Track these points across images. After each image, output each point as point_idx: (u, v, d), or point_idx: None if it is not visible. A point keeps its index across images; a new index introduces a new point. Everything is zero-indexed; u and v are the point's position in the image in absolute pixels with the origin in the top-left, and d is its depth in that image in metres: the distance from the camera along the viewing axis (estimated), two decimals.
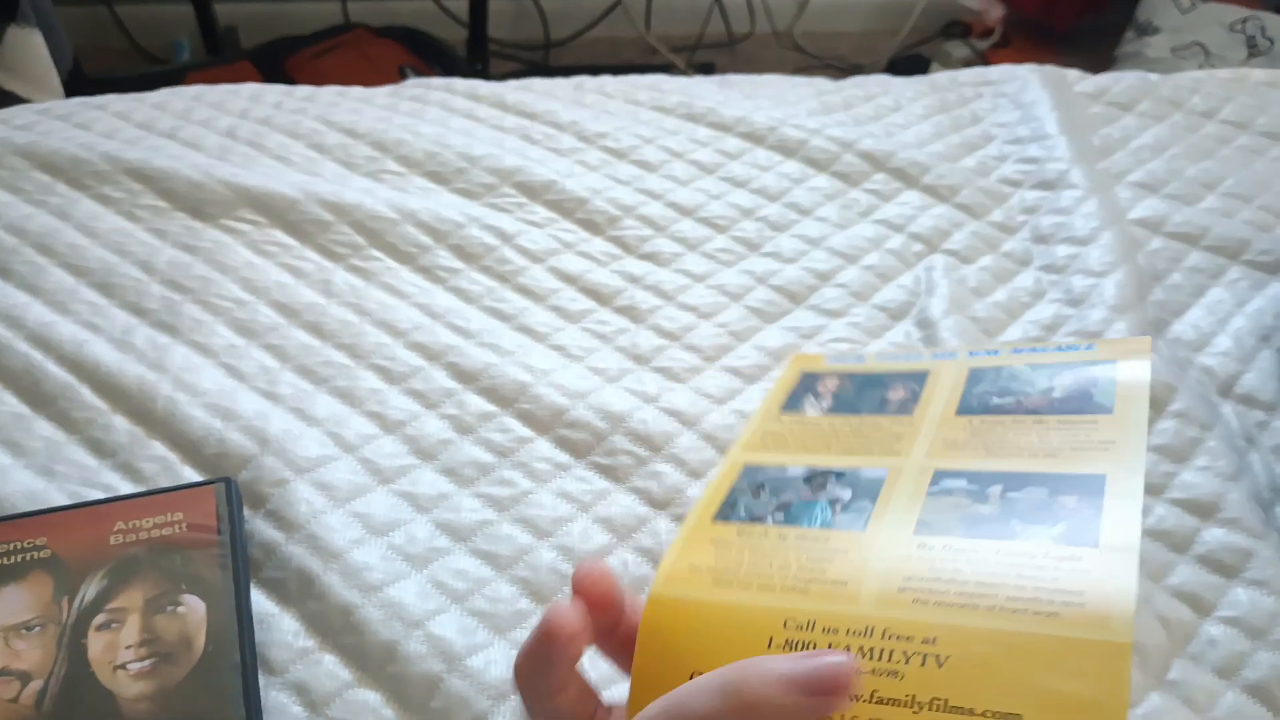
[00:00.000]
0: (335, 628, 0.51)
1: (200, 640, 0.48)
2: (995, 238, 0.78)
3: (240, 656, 0.48)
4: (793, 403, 0.51)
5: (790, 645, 0.38)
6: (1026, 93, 0.92)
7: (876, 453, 0.46)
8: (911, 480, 0.43)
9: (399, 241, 0.72)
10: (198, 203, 0.73)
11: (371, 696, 0.49)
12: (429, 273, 0.71)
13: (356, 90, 0.89)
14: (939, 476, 0.42)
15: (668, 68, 2.31)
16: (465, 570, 0.54)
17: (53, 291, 0.67)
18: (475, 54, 2.05)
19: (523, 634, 0.51)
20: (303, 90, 0.88)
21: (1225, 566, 0.56)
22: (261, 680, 0.49)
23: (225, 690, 0.47)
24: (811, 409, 0.50)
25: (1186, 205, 0.80)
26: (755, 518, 0.43)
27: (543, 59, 2.36)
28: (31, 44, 1.26)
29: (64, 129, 0.81)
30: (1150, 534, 0.58)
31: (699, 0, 2.39)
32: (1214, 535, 0.57)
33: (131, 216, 0.73)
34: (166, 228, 0.72)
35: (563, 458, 0.60)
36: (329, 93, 0.88)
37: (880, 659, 0.36)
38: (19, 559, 0.51)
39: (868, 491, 0.43)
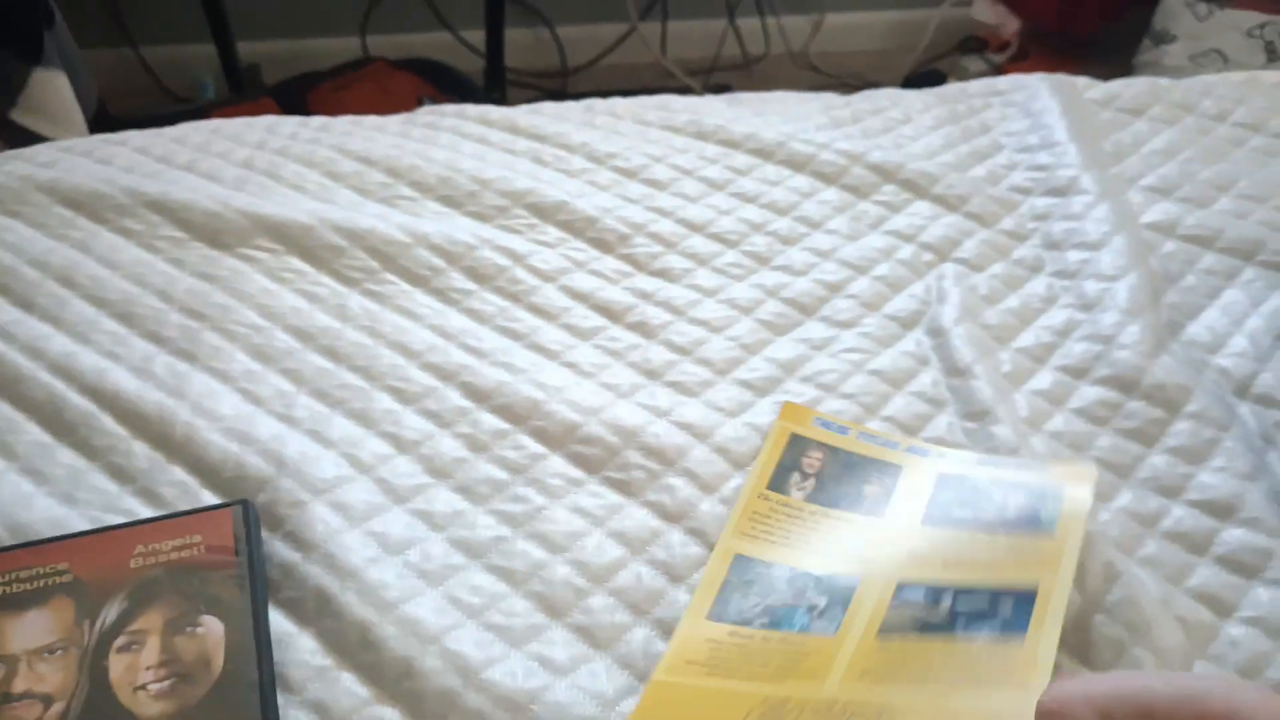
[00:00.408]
0: (352, 645, 0.52)
1: (219, 660, 0.49)
2: (1006, 245, 0.78)
3: (259, 676, 0.49)
4: (780, 477, 0.57)
5: (764, 718, 0.45)
6: (1035, 101, 0.92)
7: (851, 559, 0.52)
8: (878, 590, 0.50)
9: (412, 265, 0.73)
10: (215, 232, 0.75)
11: (389, 713, 0.49)
12: (442, 294, 0.72)
13: (370, 119, 0.91)
14: (901, 589, 0.50)
15: (684, 91, 2.33)
16: (481, 586, 0.55)
17: (74, 323, 0.68)
18: (493, 84, 2.07)
19: (538, 648, 0.52)
20: (317, 120, 0.89)
21: (1245, 567, 0.55)
22: (280, 699, 0.50)
23: (244, 709, 0.47)
24: (796, 490, 0.57)
25: (1200, 208, 0.80)
26: (744, 621, 0.50)
27: (560, 87, 2.39)
28: (56, 86, 1.29)
29: (85, 164, 0.83)
30: (1169, 536, 0.57)
31: (714, 23, 2.41)
32: (1233, 536, 0.57)
33: (151, 248, 0.74)
34: (185, 257, 0.73)
35: (576, 473, 0.60)
36: (343, 122, 0.90)
37: None
38: (41, 584, 0.52)
39: (840, 599, 0.50)
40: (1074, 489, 0.54)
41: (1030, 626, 0.46)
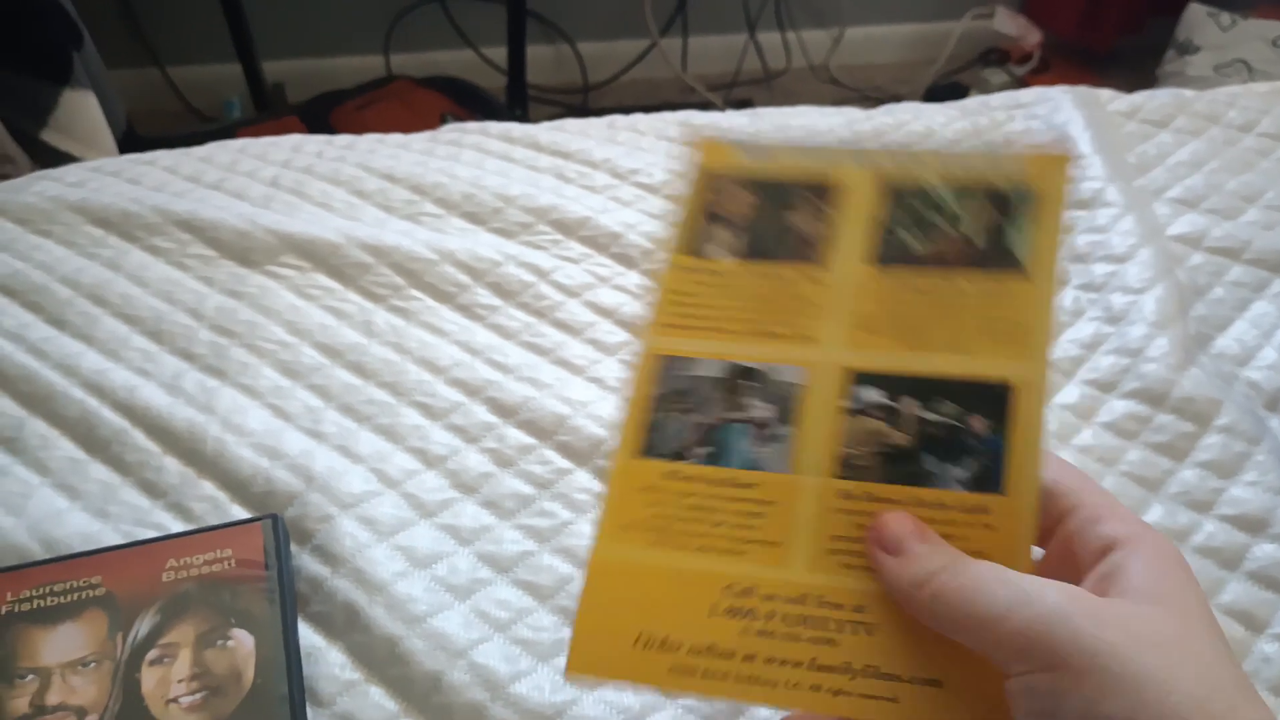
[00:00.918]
0: (381, 659, 0.52)
1: (249, 673, 0.49)
2: None
3: (289, 689, 0.49)
4: (701, 237, 0.46)
5: (732, 612, 0.40)
6: (1059, 114, 0.92)
7: (790, 335, 0.43)
8: (828, 390, 0.42)
9: (438, 281, 0.74)
10: (244, 250, 0.76)
11: None
12: (468, 310, 0.72)
13: (394, 136, 0.91)
14: (853, 386, 0.42)
15: (705, 106, 2.33)
16: (507, 600, 0.55)
17: (106, 340, 0.69)
18: (515, 100, 2.08)
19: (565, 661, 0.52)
20: (342, 139, 0.90)
21: (1277, 583, 0.55)
22: (310, 713, 0.50)
23: None
24: (719, 249, 0.46)
25: (1226, 219, 0.80)
26: (680, 452, 0.42)
27: (581, 103, 2.40)
28: (86, 106, 1.31)
29: (115, 184, 0.84)
30: (1200, 551, 0.57)
31: (734, 38, 2.42)
32: (1265, 551, 0.56)
33: (180, 266, 0.75)
34: (214, 275, 0.74)
35: (602, 488, 0.60)
36: (368, 140, 0.91)
37: (817, 627, 0.39)
38: (75, 597, 0.52)
39: (786, 405, 0.42)
40: (1047, 188, 0.44)
41: (1008, 471, 0.39)
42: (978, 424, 0.40)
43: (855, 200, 0.46)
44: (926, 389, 0.41)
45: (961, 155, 0.46)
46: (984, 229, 0.44)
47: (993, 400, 0.40)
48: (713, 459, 0.42)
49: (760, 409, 0.42)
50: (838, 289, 0.44)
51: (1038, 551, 0.39)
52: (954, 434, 0.40)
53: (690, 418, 0.42)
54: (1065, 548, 0.37)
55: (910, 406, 0.41)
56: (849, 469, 0.40)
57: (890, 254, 0.44)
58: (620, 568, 0.41)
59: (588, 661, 0.40)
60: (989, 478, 0.39)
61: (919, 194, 0.45)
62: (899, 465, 0.40)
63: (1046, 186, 0.44)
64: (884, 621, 0.39)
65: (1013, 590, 0.33)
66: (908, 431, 0.40)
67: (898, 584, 0.37)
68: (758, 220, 0.46)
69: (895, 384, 0.41)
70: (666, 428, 0.43)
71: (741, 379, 0.43)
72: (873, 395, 0.41)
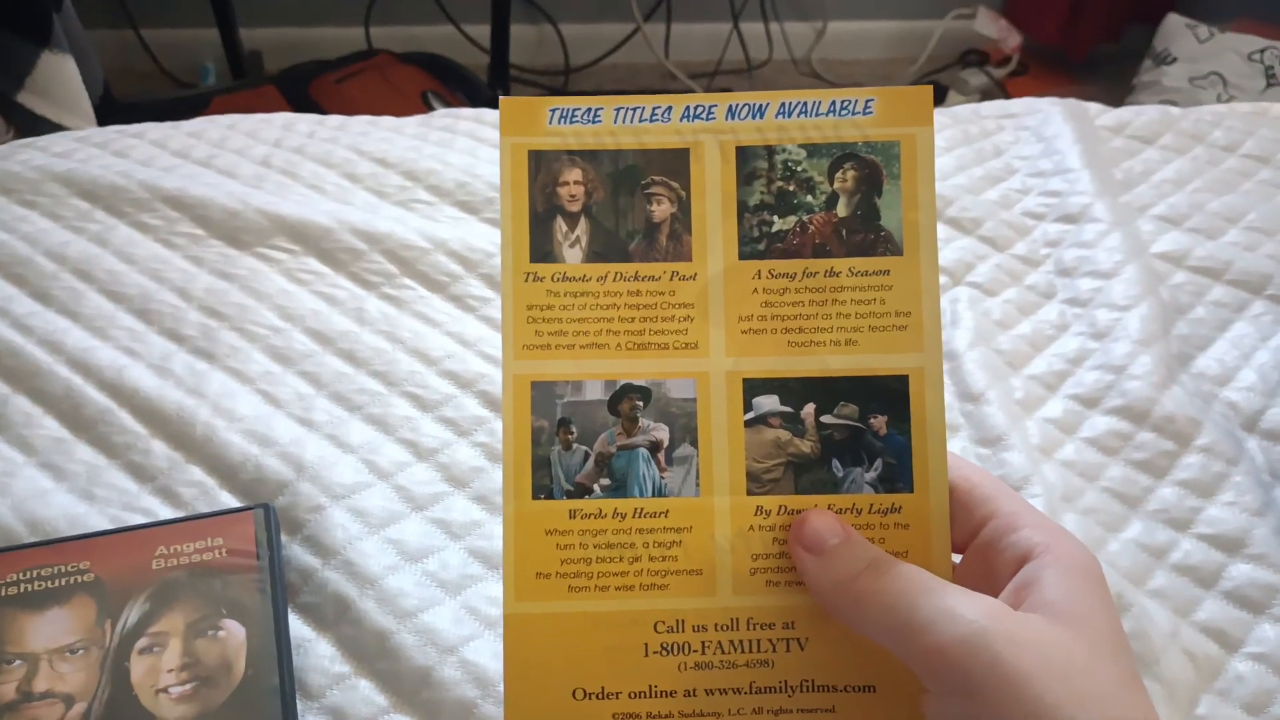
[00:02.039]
0: (371, 653, 0.52)
1: (240, 664, 0.49)
2: (1019, 270, 0.78)
3: (279, 681, 0.49)
4: (539, 236, 0.40)
5: (666, 649, 0.39)
6: (1048, 126, 0.93)
7: (670, 345, 0.40)
8: (724, 401, 0.40)
9: (430, 270, 0.73)
10: (234, 230, 0.75)
11: None
12: (460, 301, 0.72)
13: (387, 120, 0.91)
14: (749, 394, 0.39)
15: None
16: (498, 597, 0.55)
17: (92, 317, 0.68)
18: (497, 79, 2.07)
19: None
20: (334, 120, 0.89)
21: (1252, 602, 0.56)
22: (299, 705, 0.50)
23: (265, 714, 0.48)
24: (568, 248, 0.40)
25: (1209, 239, 0.81)
26: (579, 489, 0.39)
27: (562, 85, 2.39)
28: (65, 69, 1.28)
29: (101, 156, 0.82)
30: (1177, 569, 0.58)
31: (717, 27, 2.41)
32: (1241, 571, 0.58)
33: (168, 244, 0.74)
34: (203, 255, 0.73)
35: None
36: (360, 122, 0.90)
37: (751, 650, 0.39)
38: (63, 582, 0.52)
39: (684, 425, 0.39)
40: (910, 138, 0.40)
41: (914, 467, 0.39)
42: (878, 423, 0.39)
43: (705, 173, 0.41)
44: (823, 391, 0.39)
45: (809, 103, 0.41)
46: (848, 195, 0.40)
47: (890, 397, 0.39)
48: (616, 491, 0.39)
49: (656, 430, 0.40)
50: (711, 287, 0.40)
51: (956, 557, 0.39)
52: (857, 436, 0.39)
53: (580, 449, 0.40)
54: (982, 555, 0.38)
55: (810, 411, 0.40)
56: (759, 483, 0.39)
57: (756, 239, 0.40)
58: (541, 622, 0.39)
59: None
60: (897, 477, 0.39)
61: (770, 160, 0.41)
62: (808, 473, 0.39)
63: (909, 136, 0.40)
64: (815, 634, 0.39)
65: (935, 602, 0.33)
66: (811, 438, 0.39)
67: (820, 585, 0.37)
68: (602, 207, 0.40)
69: (791, 388, 0.40)
70: (557, 463, 0.39)
71: (628, 399, 0.40)
72: (770, 403, 0.40)
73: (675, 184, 0.40)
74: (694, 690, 0.39)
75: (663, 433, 0.40)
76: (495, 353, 0.68)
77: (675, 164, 0.40)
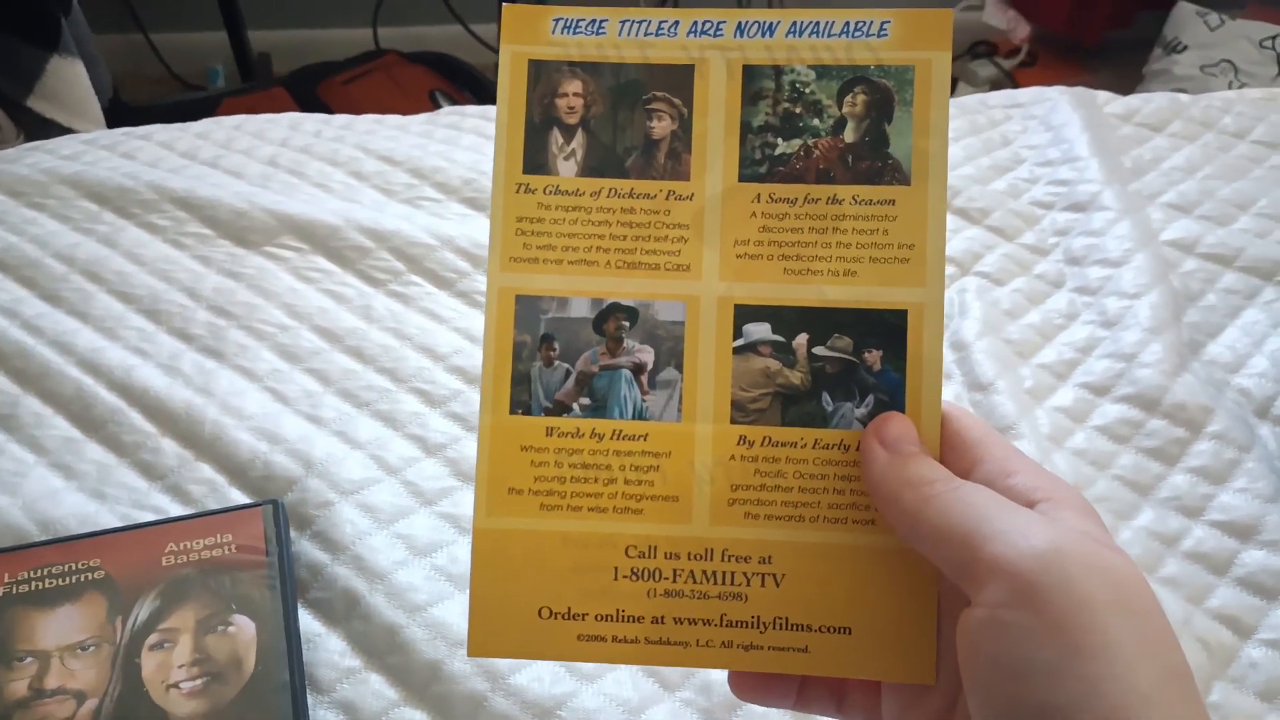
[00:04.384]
0: (381, 648, 0.52)
1: (250, 660, 0.49)
2: (1028, 260, 0.78)
3: (289, 676, 0.49)
4: (534, 145, 0.39)
5: (636, 574, 0.38)
6: (1056, 114, 0.92)
7: (662, 265, 0.39)
8: (713, 327, 0.38)
9: (437, 267, 0.74)
10: (241, 230, 0.75)
11: (418, 716, 0.50)
12: (467, 297, 0.72)
13: (393, 118, 0.91)
14: (740, 321, 0.38)
15: None
16: None
17: (101, 318, 0.68)
18: None
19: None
20: (340, 118, 0.90)
21: (1266, 589, 0.56)
22: (309, 699, 0.50)
23: (275, 709, 0.48)
24: (563, 161, 0.39)
25: (1219, 226, 0.80)
26: (558, 405, 0.38)
27: None
28: (74, 74, 1.29)
29: (110, 158, 0.83)
30: (1189, 556, 0.58)
31: None
32: (1254, 557, 0.57)
33: (177, 244, 0.74)
34: (211, 255, 0.74)
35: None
36: (366, 120, 0.90)
37: (724, 583, 0.38)
38: (74, 580, 0.52)
39: (670, 349, 0.39)
40: (926, 64, 0.39)
41: (907, 406, 0.38)
42: (873, 358, 0.38)
43: (709, 91, 0.40)
44: (818, 321, 0.38)
45: (821, 23, 0.39)
46: (856, 120, 0.39)
47: (887, 331, 0.38)
48: (595, 411, 0.38)
49: (640, 352, 0.39)
50: (708, 208, 0.39)
51: None
52: (850, 370, 0.38)
53: (562, 366, 0.39)
54: None
55: (802, 342, 0.38)
56: (743, 413, 0.38)
57: (758, 161, 0.39)
58: (511, 538, 0.38)
59: (490, 640, 0.38)
60: (889, 409, 0.38)
61: (778, 80, 0.39)
62: (796, 406, 0.38)
63: (925, 61, 0.39)
64: (792, 571, 0.38)
65: (1010, 516, 0.32)
66: (802, 369, 0.38)
67: (885, 478, 0.35)
68: (600, 121, 0.39)
69: (784, 317, 0.38)
70: (537, 379, 0.38)
71: (614, 318, 0.39)
72: (761, 331, 0.39)
73: (677, 101, 0.39)
74: (662, 618, 0.38)
75: (647, 355, 0.39)
76: None
77: (679, 80, 0.39)
